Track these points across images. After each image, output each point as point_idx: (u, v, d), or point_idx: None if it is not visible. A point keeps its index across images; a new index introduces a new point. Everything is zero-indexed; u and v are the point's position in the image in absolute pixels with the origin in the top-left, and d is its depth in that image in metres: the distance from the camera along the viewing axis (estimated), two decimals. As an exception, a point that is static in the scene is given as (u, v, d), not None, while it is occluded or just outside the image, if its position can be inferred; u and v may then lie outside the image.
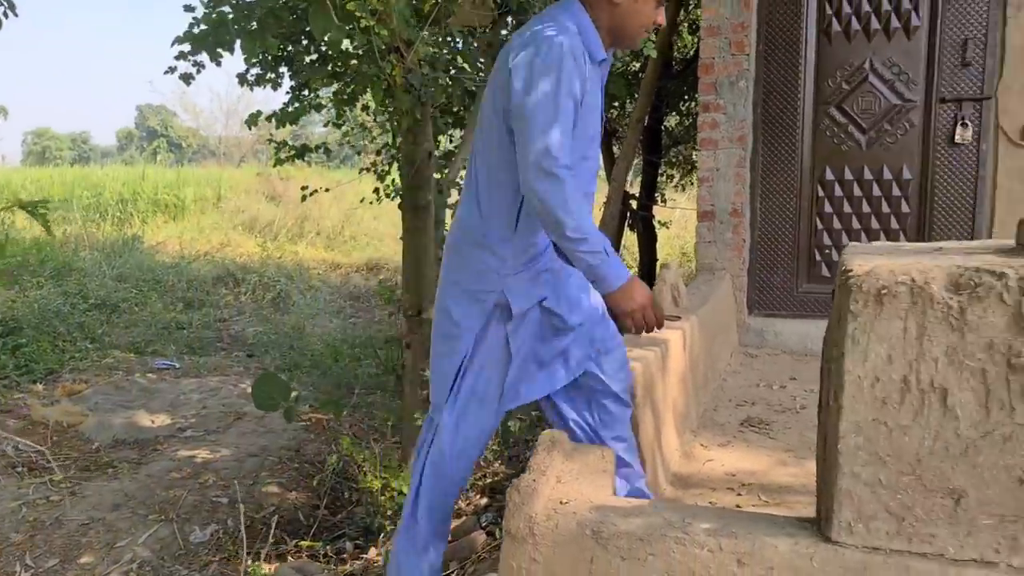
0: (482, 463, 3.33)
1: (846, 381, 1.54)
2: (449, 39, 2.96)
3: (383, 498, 2.77)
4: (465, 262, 1.92)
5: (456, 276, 1.94)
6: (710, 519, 1.63)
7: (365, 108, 4.72)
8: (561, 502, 1.71)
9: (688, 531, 1.59)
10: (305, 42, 4.76)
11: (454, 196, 3.22)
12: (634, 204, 5.65)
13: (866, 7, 3.80)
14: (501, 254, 1.89)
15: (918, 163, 3.84)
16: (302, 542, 2.84)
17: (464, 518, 3.01)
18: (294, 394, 2.85)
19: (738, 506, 2.62)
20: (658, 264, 5.99)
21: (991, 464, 1.45)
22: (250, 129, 3.55)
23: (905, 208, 3.89)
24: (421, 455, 1.99)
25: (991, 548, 1.46)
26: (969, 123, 3.70)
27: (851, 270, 1.60)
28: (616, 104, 5.36)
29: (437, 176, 3.17)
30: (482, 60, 3.08)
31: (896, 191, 3.88)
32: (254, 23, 2.95)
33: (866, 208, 3.94)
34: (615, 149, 5.37)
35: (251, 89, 5.35)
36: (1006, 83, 3.66)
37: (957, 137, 3.70)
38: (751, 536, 1.55)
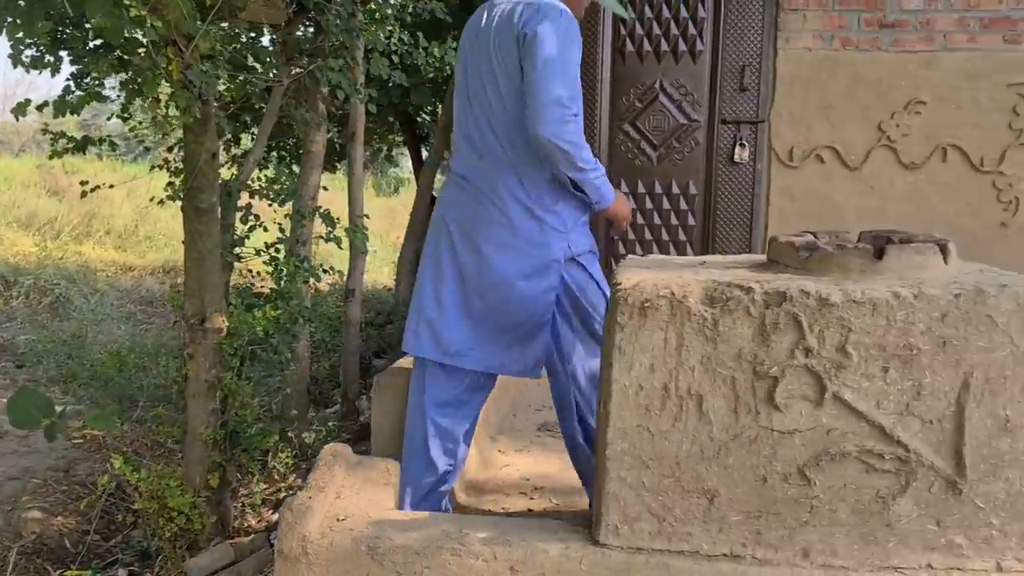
0: (276, 476, 3.20)
1: (613, 390, 1.61)
2: (239, 34, 2.82)
3: (162, 519, 2.58)
4: (524, 231, 2.14)
5: (519, 243, 2.14)
6: (486, 528, 1.64)
7: (157, 101, 4.40)
8: (338, 519, 1.67)
9: (464, 542, 1.59)
10: (88, 26, 4.37)
11: (244, 198, 3.07)
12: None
13: (656, 30, 4.02)
14: (561, 213, 2.16)
15: (703, 179, 4.11)
16: (67, 571, 2.60)
17: (253, 535, 2.87)
18: (60, 408, 2.60)
19: (530, 510, 2.67)
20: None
21: (739, 465, 1.56)
22: (17, 119, 3.19)
23: (691, 221, 4.15)
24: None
25: (739, 543, 1.57)
26: (746, 144, 4.01)
27: (620, 283, 1.67)
28: (428, 110, 5.36)
29: (227, 177, 3.01)
30: (275, 59, 2.96)
31: (684, 205, 4.14)
32: (21, 2, 2.65)
33: (657, 220, 4.17)
34: (424, 154, 5.37)
35: (27, 71, 4.85)
36: (777, 109, 4.00)
37: (736, 156, 4.00)
38: (524, 543, 1.58)
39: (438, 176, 5.50)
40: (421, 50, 3.31)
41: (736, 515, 1.56)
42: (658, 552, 1.58)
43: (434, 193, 5.36)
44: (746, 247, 4.12)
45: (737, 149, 3.99)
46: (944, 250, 1.64)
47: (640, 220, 4.18)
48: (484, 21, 2.18)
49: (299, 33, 3.64)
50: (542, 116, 1.98)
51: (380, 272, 9.00)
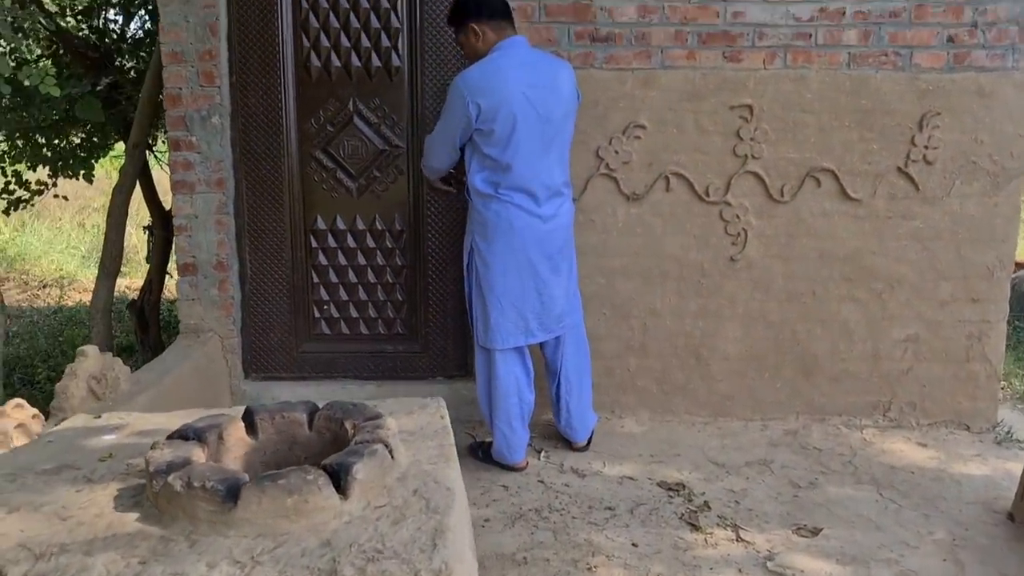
0: None
1: None
2: None
3: None
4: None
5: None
6: None
7: None
8: None
9: None
10: None
11: None
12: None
13: (345, 43, 3.45)
14: None
15: (409, 214, 3.59)
16: None
17: None
18: None
19: None
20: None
21: None
22: None
23: (400, 261, 3.64)
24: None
25: None
26: (453, 171, 3.49)
27: None
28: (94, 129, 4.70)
29: None
30: None
31: (389, 242, 3.62)
32: None
33: (361, 260, 3.63)
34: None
35: None
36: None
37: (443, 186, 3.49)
38: None
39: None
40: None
41: None
42: None
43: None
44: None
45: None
46: (341, 477, 1.14)
47: (342, 260, 3.64)
48: (531, 66, 2.95)
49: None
50: None
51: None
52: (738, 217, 3.49)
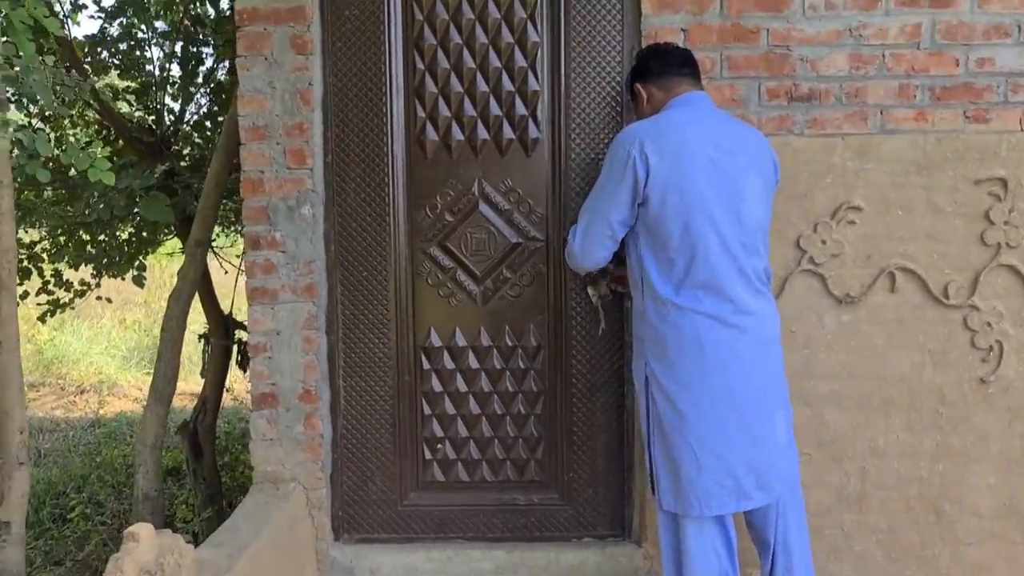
0: None
1: None
2: None
3: None
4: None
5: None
6: None
7: None
8: None
9: None
10: None
11: None
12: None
13: (470, 110, 2.72)
14: None
15: (548, 325, 2.79)
16: None
17: None
18: None
19: None
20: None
21: None
22: None
23: (535, 385, 2.81)
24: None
25: None
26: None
27: None
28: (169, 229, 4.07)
29: None
30: None
31: (523, 362, 2.80)
32: None
33: (486, 385, 2.81)
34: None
35: None
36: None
37: (590, 292, 2.69)
38: None
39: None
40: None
41: None
42: None
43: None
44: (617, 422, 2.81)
45: (589, 288, 2.69)
46: None
47: (462, 386, 2.82)
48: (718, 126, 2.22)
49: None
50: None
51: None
52: (989, 325, 2.63)
